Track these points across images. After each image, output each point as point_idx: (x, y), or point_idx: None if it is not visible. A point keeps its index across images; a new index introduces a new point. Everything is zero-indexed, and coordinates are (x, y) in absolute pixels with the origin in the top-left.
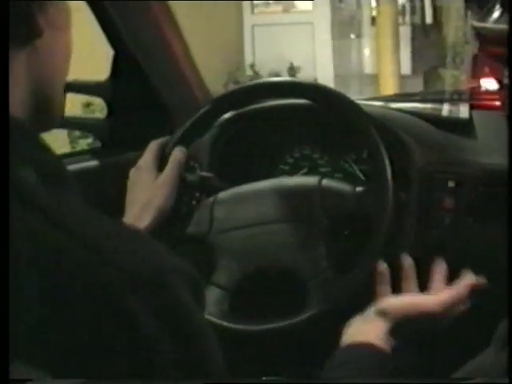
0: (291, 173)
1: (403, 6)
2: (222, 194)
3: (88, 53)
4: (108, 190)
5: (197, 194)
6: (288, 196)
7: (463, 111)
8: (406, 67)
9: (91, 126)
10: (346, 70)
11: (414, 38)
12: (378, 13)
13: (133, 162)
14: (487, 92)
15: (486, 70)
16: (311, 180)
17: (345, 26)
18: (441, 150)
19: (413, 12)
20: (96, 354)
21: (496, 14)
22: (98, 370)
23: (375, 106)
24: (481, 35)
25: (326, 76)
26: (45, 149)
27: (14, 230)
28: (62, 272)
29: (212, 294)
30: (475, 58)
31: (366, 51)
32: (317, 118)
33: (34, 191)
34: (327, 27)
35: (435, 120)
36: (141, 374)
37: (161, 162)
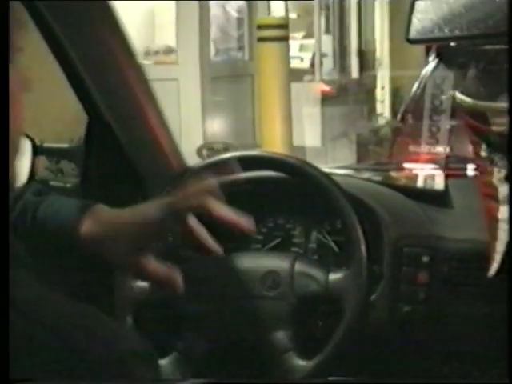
0: (264, 242)
1: (313, 56)
2: (191, 264)
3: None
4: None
5: (167, 263)
6: (259, 272)
7: (438, 182)
8: (314, 137)
9: (64, 189)
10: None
11: (325, 100)
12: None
13: None
14: (463, 160)
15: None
16: (285, 261)
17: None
18: (415, 223)
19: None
20: None
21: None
22: None
23: (347, 176)
24: (461, 107)
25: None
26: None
27: None
28: (21, 351)
29: (176, 362)
30: (452, 128)
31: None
32: (290, 189)
33: None
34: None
35: (410, 191)
36: None
37: None
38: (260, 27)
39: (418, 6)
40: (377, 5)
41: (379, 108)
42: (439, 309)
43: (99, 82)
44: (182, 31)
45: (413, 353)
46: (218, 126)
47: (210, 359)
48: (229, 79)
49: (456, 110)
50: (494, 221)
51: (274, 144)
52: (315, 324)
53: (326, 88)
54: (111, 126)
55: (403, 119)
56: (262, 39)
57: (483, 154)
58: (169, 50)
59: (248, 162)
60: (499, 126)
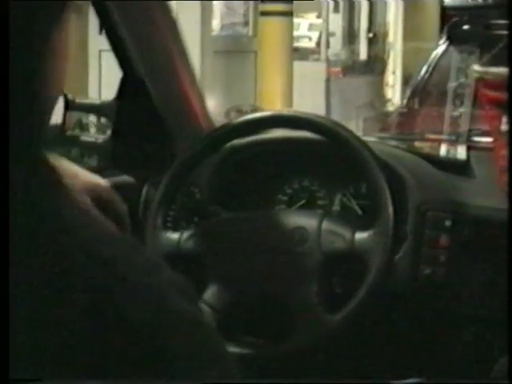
0: (289, 203)
1: (320, 34)
2: (219, 218)
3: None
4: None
5: (195, 219)
6: (287, 229)
7: (461, 152)
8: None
9: (94, 144)
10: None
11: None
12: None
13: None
14: (485, 133)
15: (484, 113)
16: (312, 219)
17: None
18: (439, 189)
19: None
20: (94, 354)
21: (497, 59)
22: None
23: (375, 142)
24: (481, 79)
25: None
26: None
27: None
28: (61, 274)
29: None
30: (474, 101)
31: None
32: (317, 151)
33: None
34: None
35: (433, 160)
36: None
37: None
38: (263, 0)
39: None
40: None
41: (389, 93)
42: (459, 272)
43: (135, 39)
44: (184, 5)
45: (430, 313)
46: (217, 101)
47: (237, 312)
48: (231, 54)
49: (476, 84)
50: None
51: None
52: (341, 280)
53: (336, 69)
54: (144, 82)
55: (408, 104)
56: (265, 13)
57: (503, 127)
58: None
59: (276, 121)
60: None
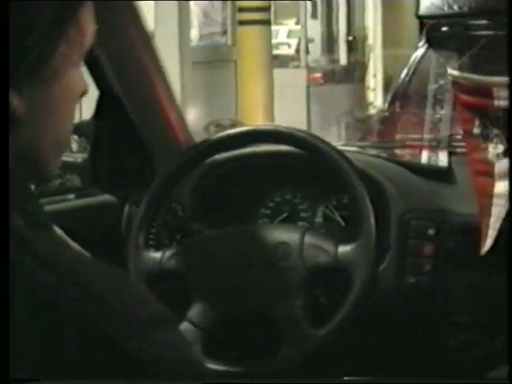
0: (272, 217)
1: (299, 41)
2: (202, 236)
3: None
4: (87, 230)
5: (177, 236)
6: (269, 244)
7: (442, 159)
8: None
9: (73, 164)
10: None
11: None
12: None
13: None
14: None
15: (459, 116)
16: (295, 233)
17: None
18: (421, 197)
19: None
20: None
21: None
22: None
23: (356, 152)
24: (456, 83)
25: None
26: (33, 199)
27: (13, 272)
28: (54, 308)
29: (185, 331)
30: (454, 105)
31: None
32: (298, 164)
33: (26, 237)
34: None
35: (415, 167)
36: None
37: None
38: (241, 10)
39: None
40: None
41: (371, 96)
42: (443, 281)
43: (110, 57)
44: (161, 15)
45: (416, 323)
46: (197, 112)
47: (222, 329)
48: (210, 64)
49: (452, 87)
50: (486, 197)
51: None
52: (325, 293)
53: (316, 75)
54: (121, 99)
55: (389, 108)
56: (242, 22)
57: (476, 131)
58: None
59: (257, 136)
60: (498, 100)
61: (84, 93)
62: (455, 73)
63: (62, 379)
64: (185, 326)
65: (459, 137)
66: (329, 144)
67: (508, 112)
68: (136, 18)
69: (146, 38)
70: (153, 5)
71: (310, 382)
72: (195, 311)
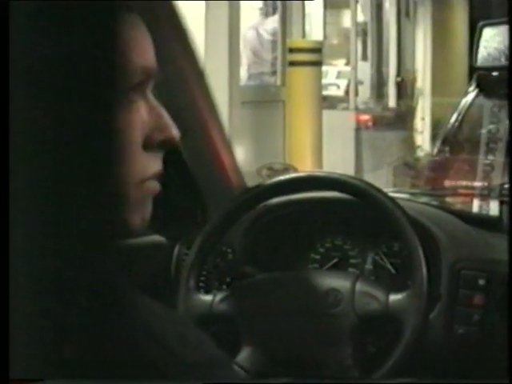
0: (321, 262)
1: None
2: (252, 279)
3: None
4: (137, 270)
5: (227, 279)
6: (320, 290)
7: (493, 208)
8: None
9: None
10: None
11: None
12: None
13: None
14: None
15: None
16: (346, 280)
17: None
18: (472, 247)
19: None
20: None
21: None
22: None
23: (406, 199)
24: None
25: None
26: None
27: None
28: (116, 348)
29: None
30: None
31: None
32: (349, 210)
33: None
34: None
35: (466, 216)
36: None
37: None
38: (292, 50)
39: (486, 33)
40: (419, 32)
41: (418, 139)
42: (493, 331)
43: (165, 97)
44: (211, 55)
45: (465, 373)
46: (246, 153)
47: (271, 375)
48: (259, 104)
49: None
50: None
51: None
52: (375, 341)
53: (364, 117)
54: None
55: (439, 153)
56: (293, 63)
57: None
58: None
59: (311, 183)
60: None
61: None
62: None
63: (65, 378)
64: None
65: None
66: (382, 191)
67: (508, 112)
68: (191, 55)
69: (200, 76)
70: (203, 42)
71: (313, 382)
72: (244, 356)
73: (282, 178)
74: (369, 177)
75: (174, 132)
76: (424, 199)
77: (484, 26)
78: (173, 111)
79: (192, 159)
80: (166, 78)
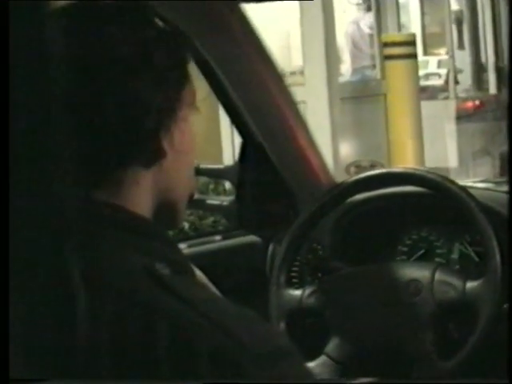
0: (409, 254)
1: (448, 71)
2: (340, 273)
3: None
4: (234, 270)
5: (319, 274)
6: (402, 281)
7: None
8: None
9: (220, 207)
10: None
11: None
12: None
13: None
14: None
15: None
16: (426, 270)
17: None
18: None
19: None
20: None
21: None
22: None
23: (484, 188)
24: None
25: None
26: (174, 247)
27: (156, 310)
28: (190, 342)
29: (324, 364)
30: None
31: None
32: (433, 203)
33: (169, 281)
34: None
35: None
36: None
37: None
38: (386, 44)
39: None
40: None
41: None
42: None
43: (251, 106)
44: (308, 52)
45: None
46: (348, 148)
47: (356, 362)
48: (360, 99)
49: None
50: None
51: (405, 164)
52: (453, 327)
53: (469, 104)
54: (263, 145)
55: None
56: (388, 57)
57: None
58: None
59: (390, 179)
60: None
61: None
62: None
63: (69, 378)
64: (322, 359)
65: None
66: (456, 183)
67: (508, 112)
68: (269, 64)
69: (279, 79)
70: (299, 42)
71: (311, 382)
72: (332, 346)
73: (362, 175)
74: (471, 165)
75: None
76: (501, 188)
77: None
78: (259, 121)
79: (280, 162)
80: (249, 91)
